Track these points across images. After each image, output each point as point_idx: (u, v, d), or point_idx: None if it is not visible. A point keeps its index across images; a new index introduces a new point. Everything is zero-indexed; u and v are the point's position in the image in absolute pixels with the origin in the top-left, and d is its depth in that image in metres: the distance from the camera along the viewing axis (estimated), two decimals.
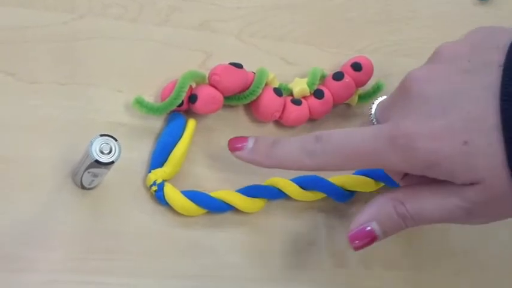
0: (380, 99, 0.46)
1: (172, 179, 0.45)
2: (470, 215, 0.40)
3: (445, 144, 0.38)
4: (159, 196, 0.45)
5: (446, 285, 0.50)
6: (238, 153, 0.44)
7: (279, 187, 0.47)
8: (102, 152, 0.40)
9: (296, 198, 0.47)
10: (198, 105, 0.46)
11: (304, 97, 0.49)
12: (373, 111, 0.45)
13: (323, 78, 0.50)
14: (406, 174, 0.43)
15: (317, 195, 0.48)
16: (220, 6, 0.51)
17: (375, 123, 0.45)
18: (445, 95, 0.39)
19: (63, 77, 0.46)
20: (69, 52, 0.46)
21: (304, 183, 0.47)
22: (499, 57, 0.39)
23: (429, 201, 0.40)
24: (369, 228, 0.41)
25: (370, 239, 0.41)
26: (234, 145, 0.44)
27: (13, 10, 0.46)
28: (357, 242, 0.42)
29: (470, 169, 0.38)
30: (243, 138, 0.44)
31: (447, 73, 0.40)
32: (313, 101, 0.49)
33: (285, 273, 0.47)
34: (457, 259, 0.51)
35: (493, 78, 0.39)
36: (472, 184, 0.39)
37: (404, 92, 0.41)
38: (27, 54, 0.46)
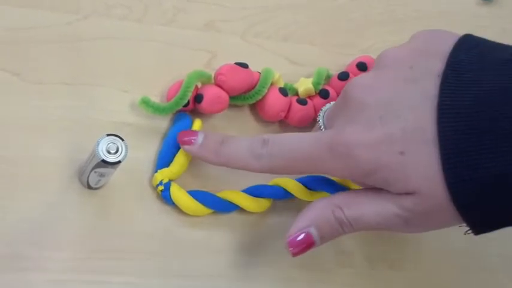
0: (327, 105, 0.46)
1: (179, 179, 0.45)
2: (408, 224, 0.40)
3: (382, 153, 0.39)
4: (165, 196, 0.45)
5: (452, 285, 0.50)
6: (187, 147, 0.44)
7: (285, 187, 0.47)
8: (108, 152, 0.40)
9: (302, 198, 0.47)
10: (204, 105, 0.46)
11: (310, 97, 0.49)
12: (320, 118, 0.45)
13: (328, 78, 0.50)
14: None
15: (322, 195, 0.48)
16: (224, 6, 0.51)
17: (323, 129, 0.45)
18: (385, 103, 0.39)
19: (69, 77, 0.46)
20: (74, 52, 0.47)
21: (310, 183, 0.47)
22: (440, 66, 0.39)
23: (367, 208, 0.40)
24: (307, 233, 0.41)
25: (308, 244, 0.41)
26: (183, 138, 0.45)
27: (18, 10, 0.46)
28: (295, 247, 0.42)
29: (406, 179, 0.38)
30: (193, 132, 0.45)
31: (388, 80, 0.40)
32: (319, 100, 0.49)
33: (290, 273, 0.47)
34: (463, 260, 0.51)
35: (432, 87, 0.38)
36: (408, 194, 0.39)
37: (346, 100, 0.41)
38: (32, 55, 0.46)
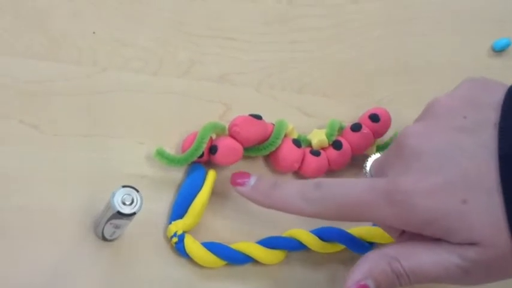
0: (374, 156, 0.46)
1: (193, 231, 0.45)
2: (468, 275, 0.39)
3: (442, 202, 0.38)
4: (179, 248, 0.45)
5: None
6: (239, 188, 0.44)
7: (299, 239, 0.47)
8: (124, 203, 0.40)
9: (316, 250, 0.47)
10: (218, 156, 0.46)
11: (323, 148, 0.50)
12: (367, 168, 0.45)
13: (341, 129, 0.50)
14: (403, 231, 0.42)
15: (337, 247, 0.48)
16: (239, 59, 0.52)
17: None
18: (441, 150, 0.39)
19: (85, 129, 0.46)
20: (91, 104, 0.47)
21: (324, 235, 0.47)
22: (494, 115, 0.39)
23: (425, 259, 0.39)
24: (364, 286, 0.40)
25: None
26: (236, 180, 0.45)
27: (37, 63, 0.47)
28: None
29: (469, 228, 0.38)
30: (246, 174, 0.45)
31: (442, 129, 0.40)
32: (332, 152, 0.49)
33: None
34: None
35: (489, 137, 0.39)
36: (470, 244, 0.38)
37: (399, 149, 0.40)
38: (50, 107, 0.46)
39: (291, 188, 0.43)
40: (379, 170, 0.43)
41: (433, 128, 0.40)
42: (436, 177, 0.38)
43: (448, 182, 0.38)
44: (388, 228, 0.43)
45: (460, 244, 0.38)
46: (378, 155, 0.45)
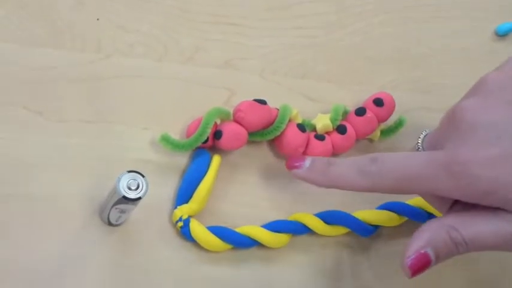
0: (427, 130, 0.46)
1: (198, 215, 0.46)
2: None
3: (502, 172, 0.39)
4: (185, 232, 0.45)
5: None
6: (296, 171, 0.45)
7: (304, 222, 0.47)
8: (129, 188, 0.40)
9: (320, 233, 0.48)
10: (223, 141, 0.46)
11: (327, 132, 0.50)
12: (420, 142, 0.45)
13: (345, 113, 0.51)
14: (455, 203, 0.43)
15: (341, 230, 0.48)
16: (243, 44, 0.52)
17: None
18: (497, 123, 0.40)
19: (90, 115, 0.47)
20: (96, 91, 0.47)
21: (328, 218, 0.48)
22: None
23: (483, 228, 0.40)
24: (424, 254, 0.40)
25: (425, 264, 0.41)
26: (293, 164, 0.45)
27: (42, 51, 0.47)
28: (413, 268, 0.41)
29: None
30: (301, 157, 0.45)
31: (496, 103, 0.41)
32: (336, 136, 0.49)
33: None
34: None
35: None
36: None
37: (455, 123, 0.41)
38: (54, 93, 0.47)
39: (347, 164, 0.43)
40: (434, 143, 0.43)
41: (487, 102, 0.41)
42: (494, 148, 0.39)
43: (507, 152, 0.39)
44: (439, 200, 0.44)
45: None
46: (429, 131, 0.45)
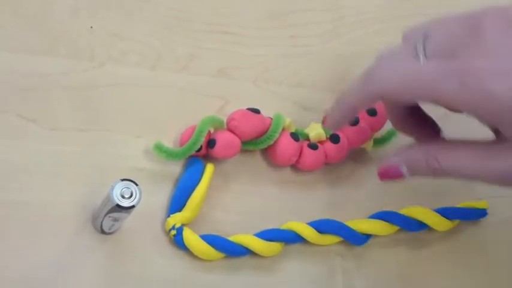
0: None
1: (191, 224, 0.46)
2: (504, 181, 0.39)
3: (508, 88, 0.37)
4: (178, 240, 0.45)
5: None
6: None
7: (296, 231, 0.47)
8: (123, 197, 0.40)
9: (313, 242, 0.48)
10: (217, 150, 0.47)
11: (321, 142, 0.50)
12: (420, 49, 0.41)
13: None
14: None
15: (333, 239, 0.48)
16: (237, 53, 0.52)
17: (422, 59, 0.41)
18: None
19: (84, 123, 0.47)
20: (89, 99, 0.47)
21: (321, 227, 0.48)
22: None
23: (465, 160, 0.40)
24: (397, 169, 0.42)
25: (396, 177, 0.43)
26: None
27: (35, 58, 0.47)
28: (383, 176, 0.43)
29: None
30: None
31: None
32: (329, 145, 0.50)
33: None
34: None
35: None
36: None
37: (474, 29, 0.39)
38: (48, 101, 0.46)
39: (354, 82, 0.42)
40: (447, 48, 0.40)
41: (509, 17, 0.39)
42: (508, 61, 0.38)
43: None
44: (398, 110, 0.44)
45: (506, 148, 0.39)
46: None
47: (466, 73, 0.38)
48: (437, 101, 0.40)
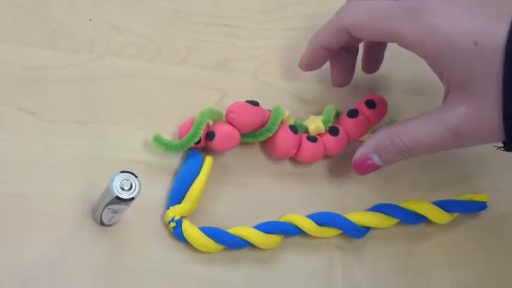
0: None
1: (190, 216, 0.46)
2: (459, 137, 0.43)
3: (460, 35, 0.41)
4: (177, 232, 0.45)
5: None
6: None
7: (296, 223, 0.47)
8: (122, 189, 0.40)
9: (312, 235, 0.48)
10: (216, 142, 0.47)
11: (320, 134, 0.50)
12: None
13: (338, 115, 0.51)
14: None
15: (333, 232, 0.48)
16: (236, 46, 0.52)
17: None
18: None
19: (83, 116, 0.47)
20: (89, 91, 0.47)
21: (320, 220, 0.48)
22: None
23: (420, 133, 0.44)
24: (369, 158, 0.46)
25: (371, 166, 0.47)
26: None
27: (34, 51, 0.47)
28: (359, 169, 0.47)
29: (469, 71, 0.41)
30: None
31: None
32: (328, 138, 0.50)
33: None
34: None
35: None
36: (457, 106, 0.42)
37: None
38: (47, 94, 0.46)
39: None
40: None
41: None
42: (462, 11, 0.41)
43: (471, 21, 0.41)
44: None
45: (448, 111, 0.43)
46: None
47: (420, 10, 0.42)
48: (394, 37, 0.44)
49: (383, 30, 0.44)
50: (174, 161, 0.47)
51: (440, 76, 0.45)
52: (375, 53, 0.52)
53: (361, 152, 0.46)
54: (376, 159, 0.46)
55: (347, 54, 0.50)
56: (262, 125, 0.48)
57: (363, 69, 0.52)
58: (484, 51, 0.41)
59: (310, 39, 0.49)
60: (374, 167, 0.47)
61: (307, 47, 0.49)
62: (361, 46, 0.52)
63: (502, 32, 0.40)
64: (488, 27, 0.41)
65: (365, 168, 0.47)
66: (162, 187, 0.46)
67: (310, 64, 0.50)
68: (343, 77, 0.51)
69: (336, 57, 0.50)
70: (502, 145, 0.43)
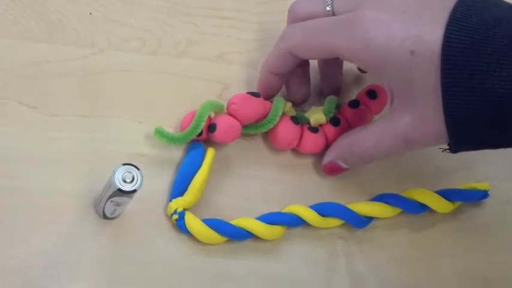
0: None
1: (193, 208, 0.46)
2: (408, 143, 0.43)
3: (396, 45, 0.41)
4: (180, 225, 0.45)
5: None
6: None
7: (298, 214, 0.47)
8: (124, 181, 0.40)
9: (315, 225, 0.48)
10: (217, 134, 0.47)
11: (321, 125, 0.50)
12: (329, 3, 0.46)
13: (339, 106, 0.51)
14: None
15: (335, 222, 0.48)
16: (236, 38, 0.52)
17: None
18: (411, 2, 0.42)
19: (84, 110, 0.47)
20: (90, 85, 0.48)
21: (323, 210, 0.48)
22: None
23: (375, 140, 0.45)
24: (335, 164, 0.48)
25: (339, 170, 0.48)
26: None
27: (36, 45, 0.47)
28: (328, 172, 0.49)
29: (408, 81, 0.41)
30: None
31: None
32: (330, 128, 0.50)
33: None
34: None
35: (452, 4, 0.41)
36: (401, 115, 0.42)
37: None
38: (49, 88, 0.47)
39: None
40: (351, 2, 0.44)
41: None
42: (396, 22, 0.41)
43: (406, 28, 0.41)
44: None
45: (394, 119, 0.43)
46: None
47: (353, 22, 0.42)
48: (332, 52, 0.44)
49: (321, 46, 0.44)
50: (176, 153, 0.47)
51: (382, 85, 0.45)
52: (331, 76, 0.51)
53: (327, 159, 0.48)
54: (342, 163, 0.48)
55: (299, 69, 0.49)
56: (264, 117, 0.48)
57: (322, 93, 0.52)
58: (421, 60, 0.40)
59: (260, 68, 0.49)
60: (342, 170, 0.48)
61: (259, 76, 0.49)
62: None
63: (436, 39, 0.40)
64: (422, 33, 0.40)
65: (334, 171, 0.49)
66: (164, 180, 0.47)
67: (266, 91, 0.49)
68: (301, 92, 0.50)
69: (290, 76, 0.50)
70: (447, 147, 0.43)
